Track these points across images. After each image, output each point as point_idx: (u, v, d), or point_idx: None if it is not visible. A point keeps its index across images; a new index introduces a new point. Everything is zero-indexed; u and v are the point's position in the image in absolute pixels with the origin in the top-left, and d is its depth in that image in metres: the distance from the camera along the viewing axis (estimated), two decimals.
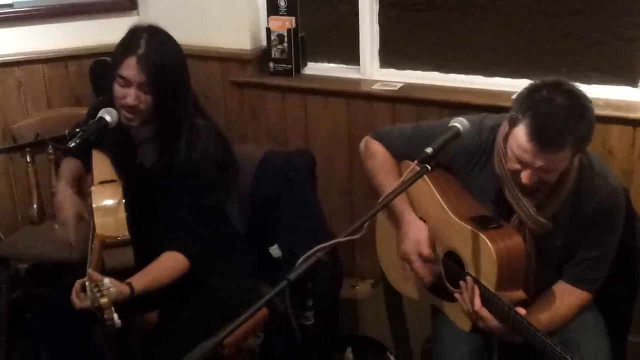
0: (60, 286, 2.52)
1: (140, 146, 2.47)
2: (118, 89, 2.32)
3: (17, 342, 3.31)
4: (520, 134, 2.03)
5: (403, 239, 2.37)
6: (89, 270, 2.20)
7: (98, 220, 2.36)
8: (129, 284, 2.25)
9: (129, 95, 2.30)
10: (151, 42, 2.31)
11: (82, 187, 2.64)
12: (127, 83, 2.30)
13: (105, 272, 2.28)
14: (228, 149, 2.52)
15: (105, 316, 2.08)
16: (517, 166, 2.08)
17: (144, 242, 2.40)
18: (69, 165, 2.66)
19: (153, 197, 2.45)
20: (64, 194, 2.51)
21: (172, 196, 2.41)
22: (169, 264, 2.40)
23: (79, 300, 2.24)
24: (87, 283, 2.18)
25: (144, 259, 2.39)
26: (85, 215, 2.47)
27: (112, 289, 2.12)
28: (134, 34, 2.34)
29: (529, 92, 2.08)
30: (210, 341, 1.53)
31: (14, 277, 3.39)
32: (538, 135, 1.99)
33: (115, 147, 2.50)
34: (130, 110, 2.32)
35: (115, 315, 2.10)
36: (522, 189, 2.14)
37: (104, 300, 2.07)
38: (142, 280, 2.31)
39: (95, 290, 2.10)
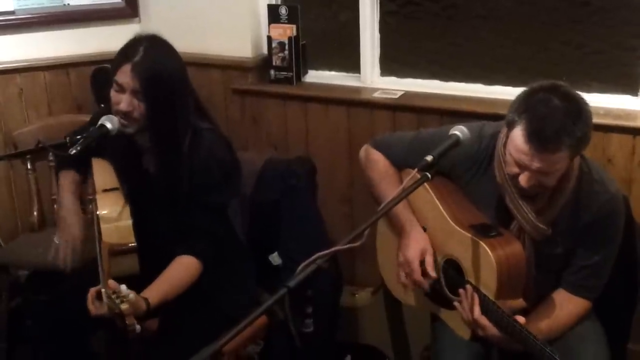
0: (60, 293, 2.52)
1: (145, 154, 2.48)
2: (113, 95, 2.34)
3: (17, 349, 3.31)
4: (518, 135, 2.03)
5: (404, 248, 2.36)
6: (109, 280, 2.19)
7: (104, 228, 2.36)
8: (145, 299, 2.21)
9: (123, 101, 2.31)
10: (149, 51, 2.32)
11: (82, 196, 2.64)
12: (121, 89, 2.31)
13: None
14: (231, 150, 2.53)
15: (127, 322, 2.07)
16: (516, 169, 2.08)
17: (148, 249, 2.39)
18: (69, 178, 2.63)
19: (158, 204, 2.45)
20: (70, 209, 2.52)
21: (179, 201, 2.41)
22: (182, 270, 2.39)
23: (95, 308, 2.23)
24: (103, 291, 2.17)
25: (147, 266, 2.38)
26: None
27: (130, 295, 2.11)
28: (135, 42, 2.36)
29: (526, 95, 2.09)
30: (209, 348, 1.52)
31: (14, 283, 3.39)
32: (535, 137, 1.99)
33: (120, 155, 2.50)
34: (124, 116, 2.33)
35: (135, 321, 2.10)
36: (522, 194, 2.14)
37: (124, 306, 2.06)
38: (157, 292, 2.28)
39: (114, 297, 2.10)
